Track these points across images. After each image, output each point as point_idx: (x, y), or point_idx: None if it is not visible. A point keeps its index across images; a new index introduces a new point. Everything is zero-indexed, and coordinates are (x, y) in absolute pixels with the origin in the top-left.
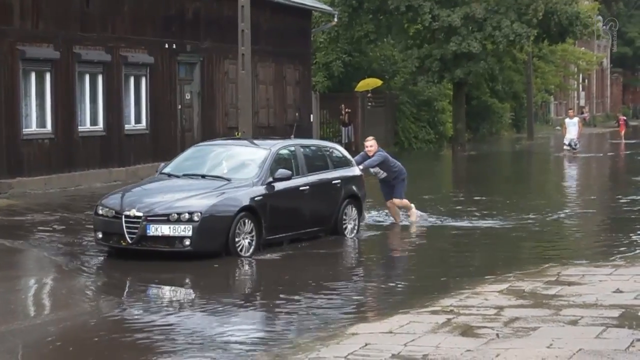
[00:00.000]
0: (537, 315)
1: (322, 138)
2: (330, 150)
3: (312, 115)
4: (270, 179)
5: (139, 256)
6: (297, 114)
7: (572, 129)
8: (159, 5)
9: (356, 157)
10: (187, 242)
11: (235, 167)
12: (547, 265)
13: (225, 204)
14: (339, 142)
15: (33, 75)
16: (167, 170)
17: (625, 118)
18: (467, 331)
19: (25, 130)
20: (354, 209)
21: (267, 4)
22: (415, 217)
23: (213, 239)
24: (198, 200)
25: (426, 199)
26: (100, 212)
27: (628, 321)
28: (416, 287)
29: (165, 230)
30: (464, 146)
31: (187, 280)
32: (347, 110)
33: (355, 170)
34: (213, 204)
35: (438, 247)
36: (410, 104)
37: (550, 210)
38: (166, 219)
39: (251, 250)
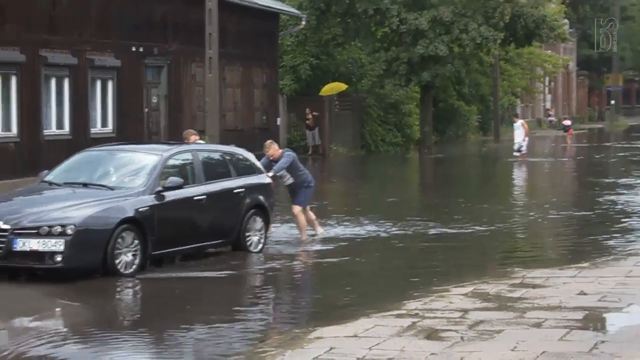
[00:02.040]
0: (502, 318)
1: (289, 141)
2: (235, 156)
3: (278, 119)
4: (160, 188)
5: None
6: (264, 117)
7: (517, 132)
8: (126, 8)
9: (260, 162)
10: (59, 258)
11: (122, 175)
12: (511, 268)
13: (104, 216)
14: (305, 146)
15: None
16: (49, 178)
17: (569, 122)
18: (432, 334)
19: None
20: (260, 220)
21: (235, 7)
22: (306, 231)
23: (88, 254)
24: (74, 211)
25: (392, 202)
26: None
27: (592, 323)
28: (378, 292)
29: (33, 244)
30: (431, 149)
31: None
32: (313, 113)
33: (263, 178)
34: (89, 215)
35: (399, 252)
36: (377, 107)
37: (514, 214)
38: (36, 232)
39: (134, 267)
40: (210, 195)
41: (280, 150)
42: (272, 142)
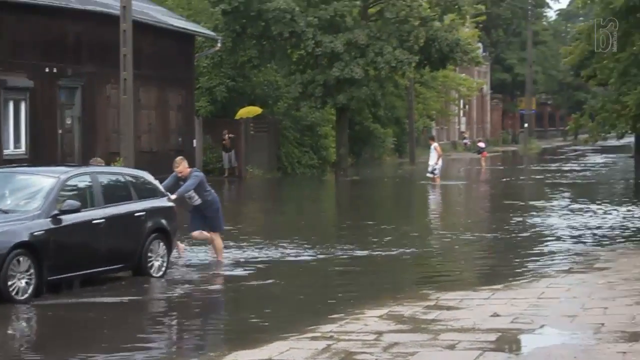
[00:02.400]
0: (416, 340)
1: (204, 163)
2: (136, 179)
3: (194, 141)
4: (56, 211)
5: None
6: (179, 139)
7: (431, 155)
8: (40, 28)
9: (166, 181)
10: None
11: (18, 198)
12: (426, 290)
13: None
14: (221, 168)
15: None
16: None
17: (484, 145)
18: (346, 357)
19: None
20: (162, 244)
21: (150, 28)
22: (221, 253)
23: None
24: None
25: (308, 224)
26: None
27: (505, 345)
28: (294, 315)
29: None
30: (347, 171)
31: None
32: (229, 135)
33: (165, 201)
34: None
35: (315, 274)
36: (293, 129)
37: (430, 237)
38: None
39: (28, 293)
40: (110, 219)
41: (189, 169)
42: (182, 158)
